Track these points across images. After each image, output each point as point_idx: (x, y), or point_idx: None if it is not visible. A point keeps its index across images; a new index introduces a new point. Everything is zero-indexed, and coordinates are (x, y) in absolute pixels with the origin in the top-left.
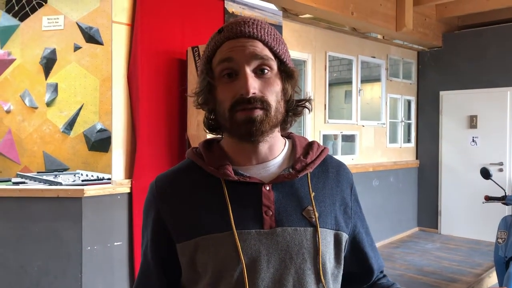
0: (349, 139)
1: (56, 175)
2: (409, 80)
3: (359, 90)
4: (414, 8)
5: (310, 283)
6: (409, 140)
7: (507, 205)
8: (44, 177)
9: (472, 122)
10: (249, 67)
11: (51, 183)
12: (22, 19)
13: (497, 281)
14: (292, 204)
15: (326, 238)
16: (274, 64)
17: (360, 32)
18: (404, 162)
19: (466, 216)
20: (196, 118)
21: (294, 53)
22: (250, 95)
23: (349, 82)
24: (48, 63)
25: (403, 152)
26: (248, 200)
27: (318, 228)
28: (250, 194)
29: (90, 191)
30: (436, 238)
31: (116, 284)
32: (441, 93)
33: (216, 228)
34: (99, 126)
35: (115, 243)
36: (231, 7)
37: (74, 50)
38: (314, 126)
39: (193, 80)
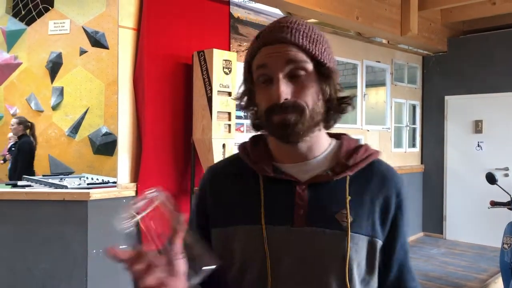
0: None
1: (61, 179)
2: (414, 85)
3: (364, 94)
4: (419, 13)
5: (333, 285)
6: (413, 145)
7: None
8: (50, 181)
9: (478, 127)
10: (282, 73)
11: (56, 186)
12: (28, 23)
13: (502, 287)
14: (326, 206)
15: (358, 243)
16: (309, 66)
17: (365, 37)
18: (408, 167)
19: (471, 222)
20: (201, 122)
21: None
22: (282, 101)
23: (354, 86)
24: (54, 67)
25: (408, 157)
26: (282, 197)
27: (349, 233)
28: (284, 191)
29: (96, 194)
30: (441, 243)
31: (121, 287)
32: (446, 97)
33: (247, 221)
34: (104, 130)
35: (121, 247)
36: (236, 12)
37: (80, 54)
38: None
39: (199, 85)
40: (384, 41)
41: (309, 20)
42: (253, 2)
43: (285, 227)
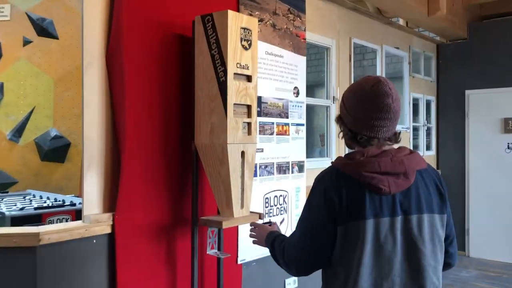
0: None
1: None
2: (429, 77)
3: None
4: None
5: None
6: (428, 147)
7: None
8: None
9: (508, 125)
10: None
11: None
12: None
13: None
14: None
15: None
16: None
17: (385, 17)
18: None
19: (500, 236)
20: (209, 120)
21: (317, 37)
22: None
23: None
24: None
25: None
26: None
27: None
28: None
29: (49, 235)
30: (467, 262)
31: None
32: (467, 92)
33: None
34: (53, 133)
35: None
36: None
37: (24, 45)
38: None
39: (204, 64)
40: (401, 22)
41: None
42: None
43: None
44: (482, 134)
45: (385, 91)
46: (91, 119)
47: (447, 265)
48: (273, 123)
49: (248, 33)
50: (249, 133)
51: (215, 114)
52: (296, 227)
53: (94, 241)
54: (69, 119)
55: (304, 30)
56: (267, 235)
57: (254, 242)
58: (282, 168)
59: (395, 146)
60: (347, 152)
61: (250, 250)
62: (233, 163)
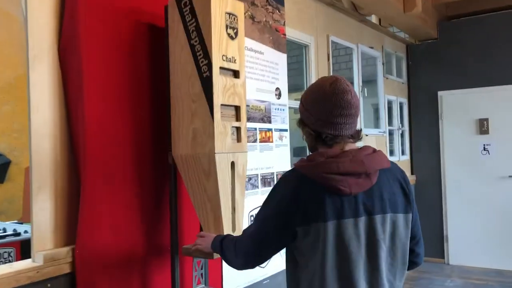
0: None
1: None
2: (400, 79)
3: (362, 88)
4: None
5: None
6: (403, 152)
7: None
8: None
9: (483, 126)
10: None
11: None
12: None
13: None
14: None
15: None
16: None
17: (359, 14)
18: None
19: (479, 242)
20: (190, 125)
21: (296, 33)
22: None
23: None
24: None
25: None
26: None
27: None
28: None
29: None
30: (449, 270)
31: None
32: (440, 93)
33: None
34: None
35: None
36: None
37: None
38: None
39: (182, 58)
40: (374, 19)
41: None
42: None
43: None
44: (457, 136)
45: (343, 88)
46: (40, 128)
47: (413, 264)
48: (255, 128)
49: (234, 19)
50: (239, 139)
51: (198, 117)
52: (252, 222)
53: (49, 285)
54: (9, 134)
55: (284, 25)
56: (215, 237)
57: (198, 248)
58: (267, 180)
59: (359, 144)
60: None
61: (234, 279)
62: (222, 176)
